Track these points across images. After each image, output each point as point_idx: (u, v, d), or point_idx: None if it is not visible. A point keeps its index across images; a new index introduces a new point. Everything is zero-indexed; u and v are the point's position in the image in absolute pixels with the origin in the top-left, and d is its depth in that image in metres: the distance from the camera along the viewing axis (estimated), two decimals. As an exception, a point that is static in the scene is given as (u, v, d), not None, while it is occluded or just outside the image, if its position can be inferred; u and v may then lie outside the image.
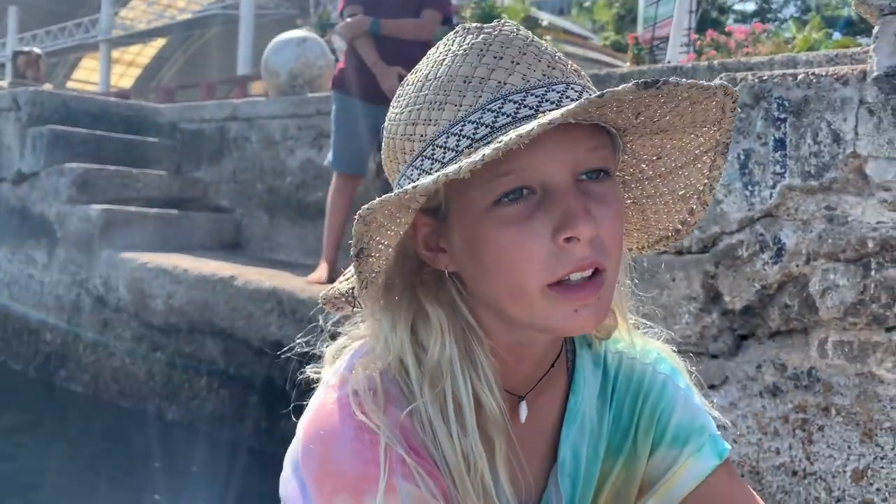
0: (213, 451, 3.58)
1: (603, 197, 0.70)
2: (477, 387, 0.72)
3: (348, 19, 3.59)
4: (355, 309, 0.82)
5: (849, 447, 1.98)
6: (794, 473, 2.07)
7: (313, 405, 0.75)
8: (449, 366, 0.72)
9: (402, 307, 0.75)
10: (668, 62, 6.29)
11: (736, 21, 27.67)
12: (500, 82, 0.68)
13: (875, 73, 1.92)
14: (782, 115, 2.04)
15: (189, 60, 31.72)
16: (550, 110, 0.65)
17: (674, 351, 0.91)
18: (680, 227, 0.83)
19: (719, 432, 0.88)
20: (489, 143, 0.64)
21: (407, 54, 3.58)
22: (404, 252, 0.75)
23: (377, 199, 0.65)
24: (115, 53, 28.67)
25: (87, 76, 31.24)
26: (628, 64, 10.25)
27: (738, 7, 29.07)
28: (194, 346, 3.89)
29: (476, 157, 0.62)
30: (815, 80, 2.01)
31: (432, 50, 0.75)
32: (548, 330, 0.72)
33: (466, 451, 0.71)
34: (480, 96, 0.67)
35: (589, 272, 0.68)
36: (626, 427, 0.86)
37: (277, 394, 3.51)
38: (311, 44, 5.09)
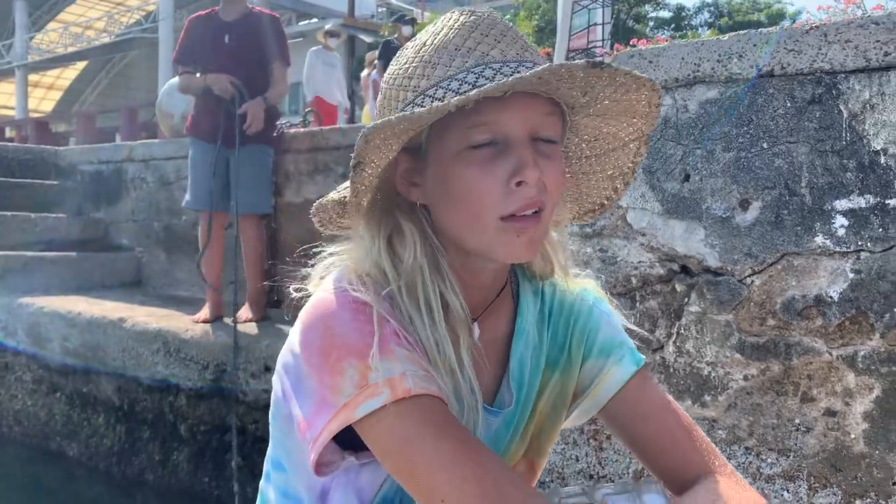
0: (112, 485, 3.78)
1: (549, 154, 0.85)
2: (444, 291, 0.88)
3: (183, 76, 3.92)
4: (338, 224, 0.99)
5: (630, 452, 2.33)
6: (590, 476, 2.42)
7: (311, 302, 0.88)
8: (420, 271, 0.87)
9: (381, 224, 0.90)
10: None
11: (653, 28, 28.68)
12: (483, 53, 0.83)
13: (629, 138, 2.28)
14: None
15: (112, 83, 31.20)
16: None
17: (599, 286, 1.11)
18: (605, 201, 1.02)
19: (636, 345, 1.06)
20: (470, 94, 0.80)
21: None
22: (386, 182, 0.91)
23: (380, 120, 0.80)
24: (34, 77, 28.05)
25: (4, 101, 30.45)
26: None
27: (653, 14, 30.14)
28: (90, 385, 4.08)
29: (461, 97, 0.77)
30: (587, 142, 2.37)
31: (430, 25, 0.91)
32: (495, 254, 0.87)
33: (437, 339, 0.86)
34: (467, 61, 0.83)
35: (532, 211, 0.84)
36: (562, 343, 1.03)
37: (169, 427, 3.74)
38: (204, 86, 5.30)
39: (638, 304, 2.30)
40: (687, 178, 2.20)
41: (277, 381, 0.90)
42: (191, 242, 4.98)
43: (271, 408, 0.95)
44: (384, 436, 0.79)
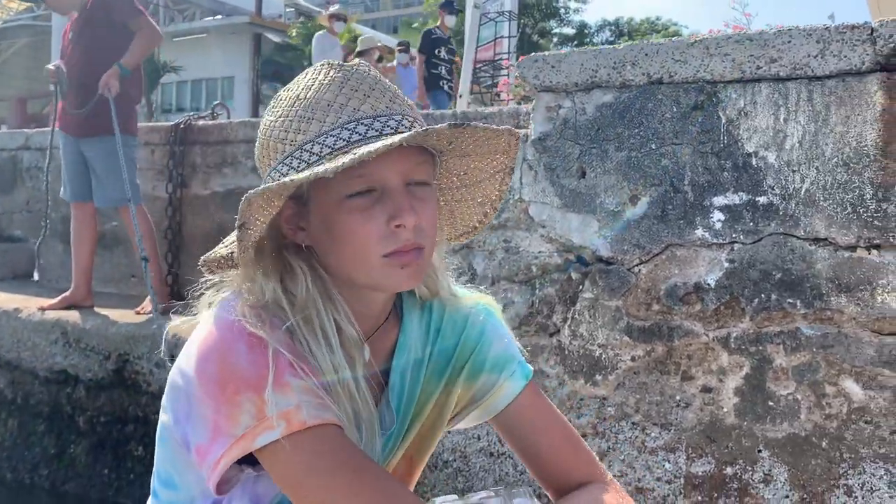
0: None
1: (423, 198, 0.94)
2: (337, 318, 0.95)
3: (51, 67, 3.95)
4: (228, 272, 1.03)
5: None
6: (491, 454, 2.56)
7: (203, 332, 0.92)
8: (313, 303, 0.94)
9: (272, 267, 0.96)
10: (460, 95, 6.91)
11: (557, 44, 29.58)
12: (355, 108, 0.91)
13: (532, 137, 2.45)
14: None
15: (-2, 71, 29.49)
16: (390, 134, 0.90)
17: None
18: (477, 224, 1.12)
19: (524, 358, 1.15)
20: (346, 152, 0.87)
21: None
22: (273, 227, 0.96)
23: (261, 186, 0.87)
24: None
25: None
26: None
27: (557, 30, 31.13)
28: (-20, 379, 3.93)
29: (338, 163, 0.84)
30: (494, 139, 2.52)
31: (301, 76, 0.97)
32: (382, 286, 0.96)
33: (335, 363, 0.92)
34: (340, 117, 0.91)
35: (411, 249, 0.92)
36: (450, 355, 1.10)
37: (66, 420, 3.65)
38: (107, 75, 5.17)
39: (537, 291, 2.46)
40: (583, 174, 2.38)
41: (168, 403, 0.95)
42: (90, 234, 4.85)
43: (159, 428, 0.99)
44: (282, 467, 0.86)
